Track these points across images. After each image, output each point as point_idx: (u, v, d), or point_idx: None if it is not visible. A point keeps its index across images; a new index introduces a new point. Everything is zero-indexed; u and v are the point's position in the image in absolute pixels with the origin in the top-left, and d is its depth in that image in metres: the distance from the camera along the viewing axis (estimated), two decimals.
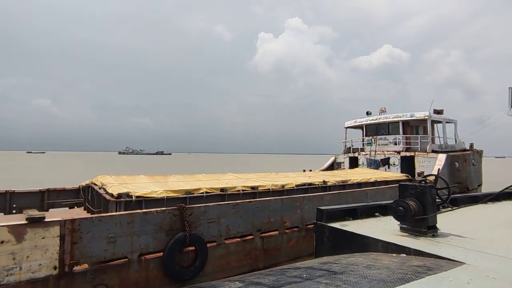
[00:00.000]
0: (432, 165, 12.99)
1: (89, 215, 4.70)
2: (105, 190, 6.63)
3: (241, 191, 7.62)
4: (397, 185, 10.18)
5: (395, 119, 14.92)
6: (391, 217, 5.60)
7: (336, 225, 5.05)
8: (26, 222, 4.12)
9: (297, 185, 8.82)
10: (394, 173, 13.09)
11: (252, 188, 7.92)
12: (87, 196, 8.33)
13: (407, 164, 14.23)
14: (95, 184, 7.51)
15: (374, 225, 5.09)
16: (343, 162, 16.97)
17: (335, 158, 17.48)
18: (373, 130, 16.10)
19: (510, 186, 7.21)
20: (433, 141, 14.35)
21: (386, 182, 11.62)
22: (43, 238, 4.24)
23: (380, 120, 15.62)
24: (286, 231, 7.01)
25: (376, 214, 6.26)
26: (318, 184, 9.36)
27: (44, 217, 4.23)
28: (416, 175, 12.77)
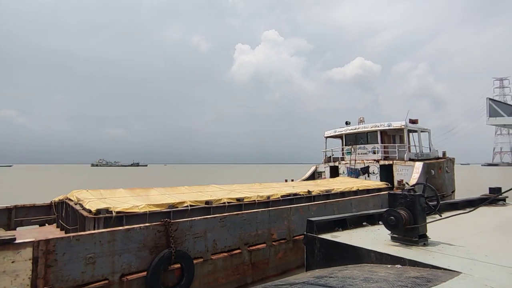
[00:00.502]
0: (410, 173, 13.39)
1: (64, 234, 4.33)
2: (81, 206, 6.21)
3: (227, 204, 7.42)
4: (379, 193, 10.36)
5: (373, 128, 15.35)
6: (380, 227, 5.61)
7: (327, 236, 4.99)
8: None
9: (282, 196, 8.74)
10: (375, 182, 13.37)
11: (238, 200, 7.74)
12: (61, 212, 7.78)
13: (386, 172, 14.59)
14: (70, 199, 7.04)
15: (364, 235, 5.07)
16: (324, 172, 17.15)
17: (316, 168, 17.64)
18: (352, 139, 16.46)
19: (486, 195, 7.56)
20: (409, 149, 14.86)
21: (368, 191, 11.83)
22: (12, 262, 3.84)
23: (359, 130, 16.01)
24: (274, 243, 6.87)
25: (364, 223, 6.29)
26: (303, 194, 9.33)
27: (14, 238, 3.84)
28: (396, 183, 13.10)
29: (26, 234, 7.26)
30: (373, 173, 14.84)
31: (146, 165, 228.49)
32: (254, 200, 8.01)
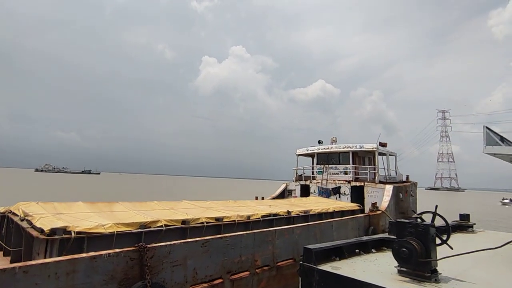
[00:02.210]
0: (380, 195, 13.59)
1: (8, 264, 3.31)
2: (30, 222, 5.05)
3: (205, 224, 6.64)
4: (356, 216, 10.17)
5: (345, 149, 15.52)
6: (376, 256, 5.25)
7: (327, 267, 4.48)
8: None
9: (262, 216, 8.15)
10: (347, 203, 13.33)
11: (217, 219, 6.99)
12: (0, 229, 6.39)
13: (357, 194, 14.70)
14: (14, 213, 5.76)
15: (366, 267, 4.66)
16: (295, 190, 16.89)
17: (286, 185, 17.34)
18: (324, 158, 16.50)
19: (457, 221, 7.65)
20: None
21: (343, 213, 11.68)
22: None
23: (332, 150, 16.11)
24: (257, 270, 6.21)
25: (356, 250, 5.92)
26: (282, 215, 8.82)
27: None
28: (369, 205, 13.16)
29: None
30: (344, 193, 14.88)
31: (99, 173, 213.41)
32: (234, 220, 7.31)
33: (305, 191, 16.39)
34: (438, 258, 4.10)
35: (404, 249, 3.95)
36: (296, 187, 16.80)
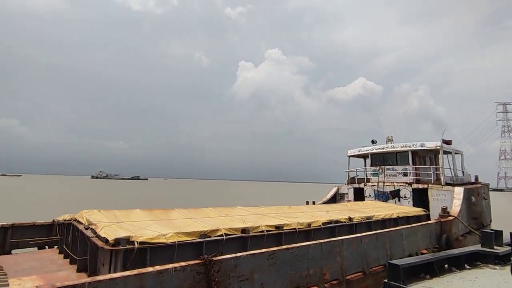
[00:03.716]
0: (448, 198, 12.11)
1: (76, 280, 3.12)
2: (94, 232, 4.99)
3: (266, 232, 6.18)
4: (428, 223, 9.01)
5: (404, 148, 14.18)
6: (474, 273, 4.38)
7: None
8: None
9: (323, 224, 7.49)
10: (411, 208, 12.07)
11: (277, 227, 6.49)
12: (66, 236, 6.53)
13: (419, 197, 13.31)
14: (79, 221, 5.81)
15: None
16: (347, 193, 15.85)
17: (338, 189, 16.35)
18: (380, 159, 15.26)
19: None
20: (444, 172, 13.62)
21: (407, 219, 10.54)
22: None
23: (388, 149, 14.84)
24: (326, 285, 5.57)
25: (445, 266, 5.02)
26: (344, 222, 8.07)
27: (7, 285, 2.63)
28: (435, 209, 11.79)
29: (22, 262, 5.99)
30: (405, 197, 13.55)
31: (147, 179, 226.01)
32: (295, 228, 6.77)
33: (359, 195, 15.29)
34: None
35: None
36: (349, 191, 15.75)
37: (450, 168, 13.99)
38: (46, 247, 7.60)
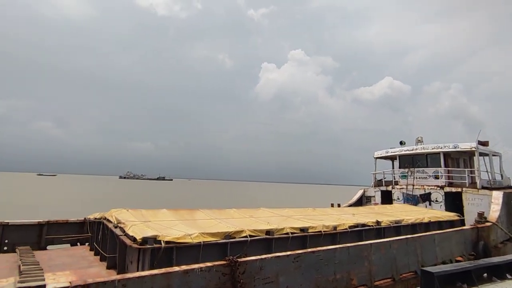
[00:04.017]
0: (485, 203, 11.37)
1: (107, 276, 3.20)
2: (123, 230, 5.12)
3: (290, 234, 6.07)
4: (462, 229, 8.50)
5: (435, 150, 13.50)
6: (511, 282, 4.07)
7: None
8: None
9: (350, 227, 7.26)
10: (443, 212, 11.44)
11: (302, 230, 6.37)
12: (96, 233, 6.79)
13: (452, 201, 12.60)
14: (108, 220, 6.00)
15: None
16: (374, 196, 15.32)
17: (364, 192, 15.86)
18: (409, 161, 14.63)
19: None
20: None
21: (440, 223, 9.99)
22: None
23: (417, 151, 14.19)
24: None
25: (485, 275, 4.69)
26: (371, 226, 7.78)
27: (44, 286, 2.74)
28: (470, 214, 11.11)
29: (56, 257, 6.29)
30: (436, 201, 12.88)
31: (171, 179, 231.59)
32: (320, 231, 6.61)
33: (386, 198, 14.73)
34: None
35: None
36: (375, 193, 15.22)
37: (487, 171, 13.14)
38: (78, 243, 7.94)
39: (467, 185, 12.38)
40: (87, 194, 51.88)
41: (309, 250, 4.96)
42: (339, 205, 14.31)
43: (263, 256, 4.37)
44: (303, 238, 6.30)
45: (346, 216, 8.58)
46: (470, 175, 12.68)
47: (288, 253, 4.65)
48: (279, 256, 4.49)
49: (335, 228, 6.97)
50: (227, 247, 5.17)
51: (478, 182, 12.03)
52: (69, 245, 7.86)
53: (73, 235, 7.90)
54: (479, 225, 9.23)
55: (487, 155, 13.44)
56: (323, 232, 6.62)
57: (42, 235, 7.52)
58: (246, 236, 5.47)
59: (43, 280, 3.07)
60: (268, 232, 5.85)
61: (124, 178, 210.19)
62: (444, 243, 7.72)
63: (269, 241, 5.78)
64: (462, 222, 11.09)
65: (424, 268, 3.86)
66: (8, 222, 7.10)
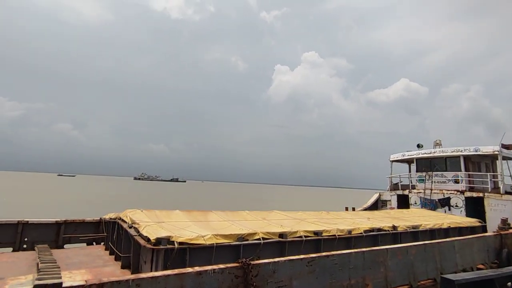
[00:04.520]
0: (508, 209, 10.91)
1: (121, 276, 3.22)
2: (137, 230, 5.18)
3: (304, 238, 5.98)
4: (484, 235, 8.15)
5: (454, 153, 13.06)
6: None
7: None
8: None
9: (365, 231, 7.09)
10: (464, 218, 11.03)
11: (315, 233, 6.26)
12: (111, 233, 6.89)
13: (473, 207, 12.14)
14: (123, 220, 6.08)
15: None
16: (390, 200, 14.96)
17: (380, 195, 15.51)
18: (426, 165, 14.22)
19: None
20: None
21: (460, 230, 9.63)
22: None
23: (436, 154, 13.78)
24: None
25: (509, 284, 4.46)
26: (388, 230, 7.58)
27: (61, 284, 2.77)
28: (493, 221, 10.67)
29: (73, 256, 6.42)
30: (456, 206, 12.44)
31: (185, 181, 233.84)
32: (334, 235, 6.48)
33: (403, 202, 14.35)
34: None
35: None
36: (392, 197, 14.86)
37: (510, 176, 12.61)
38: (94, 243, 8.09)
39: (489, 190, 11.91)
40: (103, 194, 53.08)
41: (323, 254, 4.85)
42: (353, 209, 14.06)
43: (276, 259, 4.30)
44: (317, 241, 6.20)
45: (361, 220, 8.39)
46: (492, 179, 12.21)
47: (302, 256, 4.57)
48: (292, 260, 4.41)
49: (349, 232, 6.82)
50: (240, 249, 5.14)
51: (501, 187, 11.55)
52: (85, 244, 8.02)
53: (89, 235, 8.06)
54: (502, 232, 8.83)
55: (510, 159, 12.90)
56: (337, 236, 6.48)
57: (60, 234, 7.70)
58: (259, 239, 5.42)
59: (60, 278, 3.12)
60: (281, 235, 5.78)
61: (139, 179, 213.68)
62: (464, 250, 7.42)
63: (282, 244, 5.71)
64: (484, 229, 10.65)
65: (444, 276, 3.70)
66: (28, 221, 7.31)
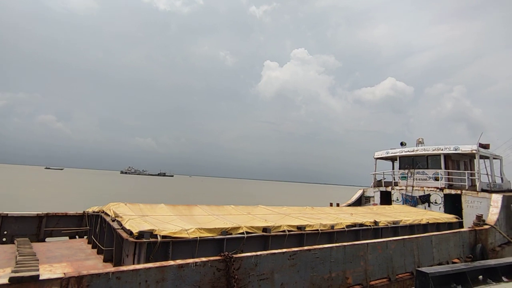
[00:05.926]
0: (484, 206, 11.35)
1: (100, 269, 3.21)
2: (120, 224, 5.15)
3: (287, 232, 6.09)
4: (460, 230, 8.48)
5: (435, 151, 13.46)
6: (506, 285, 4.07)
7: None
8: (7, 283, 2.65)
9: (347, 226, 7.27)
10: (442, 214, 11.43)
11: (299, 228, 6.38)
12: (94, 226, 6.82)
13: (452, 203, 12.58)
14: (106, 213, 6.03)
15: None
16: (373, 197, 15.31)
17: (363, 192, 15.84)
18: (409, 162, 14.60)
19: None
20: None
21: (438, 225, 9.99)
22: None
23: (418, 152, 14.15)
24: None
25: (480, 277, 4.69)
26: (369, 225, 7.79)
27: (37, 276, 2.75)
28: (469, 217, 11.10)
29: (54, 249, 6.33)
30: (436, 203, 12.86)
31: (173, 176, 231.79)
32: (317, 230, 6.62)
33: (385, 199, 14.72)
34: None
35: None
36: (375, 194, 15.21)
37: (487, 174, 13.10)
38: (77, 236, 7.99)
39: (466, 188, 12.36)
40: (88, 188, 52.10)
41: (305, 248, 4.97)
42: (338, 205, 14.31)
43: (259, 253, 4.38)
44: (300, 236, 6.32)
45: (344, 216, 8.59)
46: (470, 177, 12.66)
47: (284, 250, 4.66)
48: (274, 253, 4.50)
49: (332, 227, 6.98)
50: (223, 243, 5.19)
51: (477, 185, 12.00)
52: (67, 237, 7.91)
53: (72, 228, 7.95)
54: (477, 228, 9.21)
55: (487, 158, 13.39)
56: (320, 231, 6.63)
57: (41, 227, 7.56)
58: (242, 233, 5.49)
59: (37, 270, 3.09)
60: (265, 229, 5.87)
61: (125, 173, 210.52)
62: (441, 244, 7.71)
63: (265, 238, 5.81)
64: (460, 224, 11.08)
65: (419, 269, 3.86)
66: (7, 214, 7.14)
